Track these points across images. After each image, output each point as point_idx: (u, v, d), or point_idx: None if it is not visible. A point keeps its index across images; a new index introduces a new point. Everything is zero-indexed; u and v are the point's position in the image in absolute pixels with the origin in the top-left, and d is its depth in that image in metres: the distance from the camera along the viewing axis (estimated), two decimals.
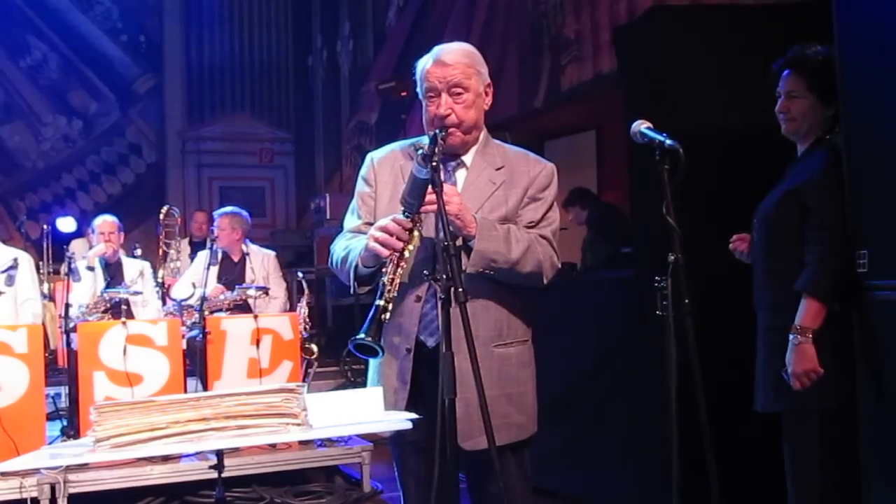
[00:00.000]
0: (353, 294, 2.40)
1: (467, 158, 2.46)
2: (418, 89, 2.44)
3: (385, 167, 2.49)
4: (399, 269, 2.17)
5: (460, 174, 2.45)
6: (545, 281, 2.41)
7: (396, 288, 2.16)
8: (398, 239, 2.18)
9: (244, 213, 6.48)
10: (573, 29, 7.14)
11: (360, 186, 2.52)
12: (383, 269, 2.18)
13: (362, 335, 2.08)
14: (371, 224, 2.39)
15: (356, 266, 2.33)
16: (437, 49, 2.41)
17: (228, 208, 6.48)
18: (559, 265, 2.45)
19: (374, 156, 2.54)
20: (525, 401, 2.44)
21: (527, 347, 2.48)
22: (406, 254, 2.18)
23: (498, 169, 2.44)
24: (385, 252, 2.18)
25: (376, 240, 2.20)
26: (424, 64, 2.40)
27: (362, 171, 2.53)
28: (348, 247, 2.41)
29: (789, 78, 2.75)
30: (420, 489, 2.43)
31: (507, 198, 2.42)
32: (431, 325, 2.35)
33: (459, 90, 2.36)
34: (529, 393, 2.46)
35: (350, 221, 2.53)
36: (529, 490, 2.50)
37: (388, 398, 2.31)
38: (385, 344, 2.35)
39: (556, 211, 2.48)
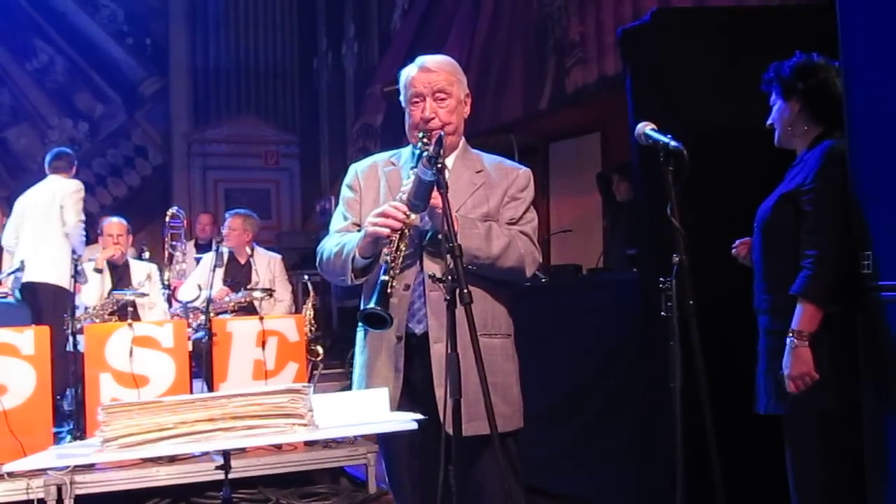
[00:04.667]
0: (350, 283, 2.50)
1: (448, 161, 2.57)
2: (401, 98, 2.59)
3: (367, 175, 2.65)
4: (401, 249, 2.30)
5: None
6: (528, 274, 2.55)
7: (399, 266, 2.29)
8: (396, 220, 2.30)
9: (255, 215, 6.52)
10: (578, 31, 7.14)
11: (345, 193, 2.68)
12: (384, 251, 2.31)
13: (373, 305, 2.20)
14: (357, 225, 2.55)
15: (353, 257, 2.44)
16: (420, 59, 2.58)
17: (240, 209, 6.50)
18: (540, 259, 2.59)
19: (356, 167, 2.70)
20: (510, 393, 2.53)
21: (510, 342, 2.59)
22: (406, 233, 2.31)
23: (478, 172, 2.59)
24: (385, 232, 2.31)
25: (375, 224, 2.33)
26: (409, 72, 2.57)
27: (347, 181, 2.68)
28: (341, 242, 2.52)
29: (771, 91, 2.82)
30: (413, 482, 2.48)
31: (488, 197, 2.55)
32: (419, 313, 2.45)
33: (443, 95, 2.52)
34: (514, 386, 2.56)
35: (337, 223, 2.65)
36: (517, 483, 2.53)
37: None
38: (372, 336, 2.46)
39: (533, 212, 2.63)
